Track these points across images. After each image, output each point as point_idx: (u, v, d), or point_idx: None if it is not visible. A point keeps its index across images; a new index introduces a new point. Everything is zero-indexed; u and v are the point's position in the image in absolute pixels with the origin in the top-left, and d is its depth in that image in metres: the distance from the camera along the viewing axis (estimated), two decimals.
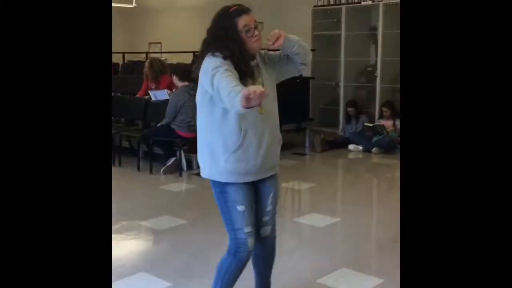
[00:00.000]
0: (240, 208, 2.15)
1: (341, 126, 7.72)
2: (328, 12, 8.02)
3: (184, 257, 3.28)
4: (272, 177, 2.28)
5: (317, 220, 4.05)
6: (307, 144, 6.89)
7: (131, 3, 10.09)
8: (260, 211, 2.28)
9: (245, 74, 2.08)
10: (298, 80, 6.88)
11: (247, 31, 2.08)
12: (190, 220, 3.92)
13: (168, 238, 3.70)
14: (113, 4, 11.52)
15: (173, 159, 5.50)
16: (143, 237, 3.78)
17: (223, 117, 2.07)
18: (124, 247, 3.55)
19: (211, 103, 2.08)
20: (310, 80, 7.35)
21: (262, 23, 2.17)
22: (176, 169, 5.48)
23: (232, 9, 2.09)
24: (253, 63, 2.14)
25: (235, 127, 2.07)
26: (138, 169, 5.65)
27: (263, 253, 2.41)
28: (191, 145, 5.58)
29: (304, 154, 6.61)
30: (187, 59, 8.14)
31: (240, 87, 1.88)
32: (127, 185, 5.17)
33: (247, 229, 2.17)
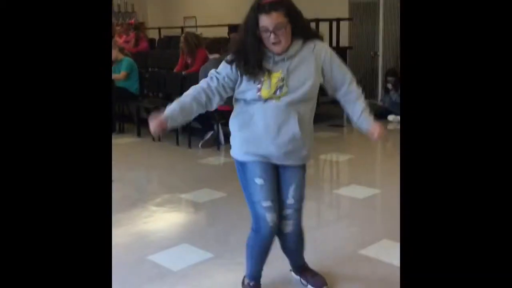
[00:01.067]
0: (258, 181, 2.14)
1: (379, 97, 7.57)
2: None
3: (224, 228, 3.32)
4: (294, 168, 2.21)
5: (356, 191, 4.01)
6: (344, 115, 6.80)
7: None
8: (281, 202, 2.21)
9: (253, 72, 2.07)
10: (335, 51, 6.76)
11: (265, 31, 2.02)
12: (228, 192, 3.95)
13: (208, 210, 3.76)
14: None
15: (210, 132, 5.54)
16: (184, 210, 3.85)
17: (236, 102, 2.19)
18: (166, 219, 3.63)
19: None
20: (348, 50, 7.20)
21: (287, 25, 2.02)
22: (214, 143, 5.52)
23: (261, 2, 2.01)
24: (278, 57, 2.07)
25: (243, 109, 2.15)
26: (177, 143, 5.72)
27: (288, 247, 2.38)
28: (228, 118, 5.59)
29: (341, 126, 6.54)
30: (222, 32, 8.12)
31: (172, 104, 2.13)
32: (166, 160, 5.26)
33: (266, 203, 2.14)
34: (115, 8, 12.04)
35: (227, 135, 5.72)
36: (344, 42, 7.25)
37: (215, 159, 5.21)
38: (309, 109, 2.18)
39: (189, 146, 5.57)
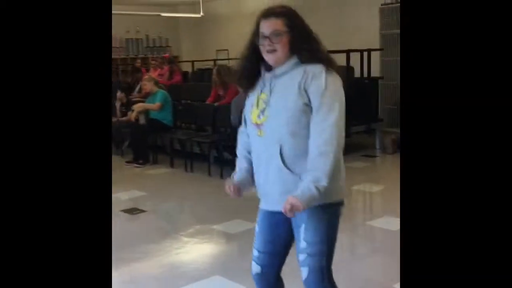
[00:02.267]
0: (256, 228, 2.03)
1: None
2: (396, 10, 7.80)
3: None
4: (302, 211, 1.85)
5: (390, 223, 3.93)
6: (377, 145, 6.73)
7: (199, 13, 10.35)
8: (296, 247, 1.95)
9: (248, 86, 1.95)
10: (366, 81, 6.75)
11: (262, 38, 1.85)
12: None
13: (240, 241, 3.74)
14: (181, 14, 11.94)
15: None
16: (216, 241, 3.84)
17: None
18: (198, 250, 3.62)
19: None
20: (379, 80, 7.18)
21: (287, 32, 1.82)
22: None
23: (265, 9, 1.89)
24: (267, 75, 1.89)
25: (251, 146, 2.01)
26: (209, 174, 5.76)
27: None
28: None
29: (374, 156, 6.46)
30: None
31: (238, 164, 2.02)
32: (198, 190, 5.29)
33: (255, 252, 2.02)
34: (150, 43, 12.42)
35: None
36: (375, 72, 7.23)
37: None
38: (301, 141, 1.82)
39: (221, 176, 5.60)
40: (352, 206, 4.61)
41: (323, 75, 1.81)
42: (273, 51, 1.83)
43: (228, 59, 9.99)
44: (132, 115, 6.52)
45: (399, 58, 7.69)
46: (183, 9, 12.18)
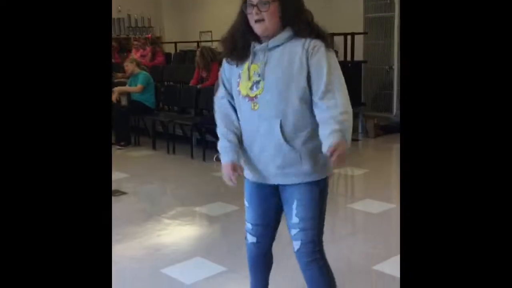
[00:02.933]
0: (246, 203, 2.08)
1: (394, 111, 7.53)
2: None
3: (237, 241, 3.31)
4: (294, 185, 1.89)
5: (371, 206, 3.98)
6: (360, 129, 6.77)
7: None
8: (287, 221, 1.98)
9: (239, 57, 1.86)
10: (350, 65, 6.75)
11: (250, 7, 1.78)
12: (242, 206, 3.91)
13: (222, 223, 3.75)
14: None
15: None
16: (197, 223, 3.85)
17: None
18: (180, 232, 3.63)
19: None
20: (362, 64, 7.19)
21: (270, 2, 1.74)
22: None
23: None
24: (259, 46, 1.81)
25: (240, 118, 1.94)
26: (192, 156, 5.75)
27: (305, 275, 2.01)
28: None
29: (357, 140, 6.51)
30: None
31: (223, 141, 1.95)
32: (181, 173, 5.28)
33: (248, 225, 2.09)
34: (132, 23, 12.22)
35: None
36: (359, 56, 7.24)
37: None
38: (301, 116, 1.81)
39: (204, 159, 5.59)
40: (334, 189, 4.64)
41: (324, 51, 1.78)
42: (260, 20, 1.76)
43: (212, 40, 9.89)
44: (113, 97, 6.44)
45: (382, 41, 7.73)
46: None
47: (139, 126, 6.72)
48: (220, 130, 1.97)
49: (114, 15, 11.94)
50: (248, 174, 2.00)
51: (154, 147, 6.28)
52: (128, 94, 6.53)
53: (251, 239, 2.11)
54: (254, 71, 1.81)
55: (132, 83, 6.51)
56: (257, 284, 2.24)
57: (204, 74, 6.40)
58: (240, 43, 1.85)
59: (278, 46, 1.80)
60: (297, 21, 1.78)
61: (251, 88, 1.82)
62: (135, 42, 9.34)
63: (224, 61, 1.95)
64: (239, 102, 1.89)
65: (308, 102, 1.81)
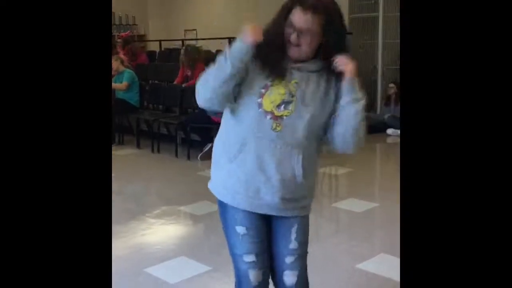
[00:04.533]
0: (240, 229, 1.71)
1: (378, 110, 7.60)
2: None
3: (222, 241, 3.30)
4: (292, 219, 1.75)
5: (355, 205, 4.01)
6: None
7: None
8: (282, 249, 1.76)
9: (273, 68, 1.66)
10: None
11: (289, 27, 1.64)
12: None
13: (206, 223, 3.75)
14: None
15: (209, 145, 5.55)
16: (182, 222, 3.84)
17: (230, 115, 1.71)
18: (164, 231, 3.62)
19: None
20: None
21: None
22: None
23: None
24: (294, 65, 1.67)
25: (235, 132, 1.69)
26: (176, 155, 5.73)
27: None
28: None
29: None
30: (222, 45, 8.15)
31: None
32: (165, 171, 5.26)
33: (248, 258, 1.72)
34: (116, 21, 12.12)
35: None
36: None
37: None
38: (315, 149, 1.73)
39: (188, 158, 5.58)
40: (318, 188, 4.67)
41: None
42: (298, 45, 1.63)
43: (197, 39, 9.87)
44: None
45: (368, 42, 7.78)
46: None
47: (123, 125, 6.68)
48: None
49: None
50: (239, 202, 1.70)
51: (138, 146, 6.25)
52: (113, 92, 6.48)
53: (257, 277, 1.73)
54: (287, 89, 1.64)
55: (117, 81, 6.47)
56: None
57: (188, 73, 6.38)
58: (280, 59, 1.67)
59: (316, 71, 1.68)
60: (334, 54, 1.66)
61: (278, 106, 1.64)
62: (119, 40, 9.27)
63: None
64: (254, 115, 1.65)
65: (322, 136, 1.74)
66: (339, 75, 1.66)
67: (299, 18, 1.61)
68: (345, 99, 1.65)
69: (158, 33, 11.57)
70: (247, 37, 1.59)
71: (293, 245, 1.75)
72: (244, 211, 1.70)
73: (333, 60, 1.63)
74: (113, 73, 6.62)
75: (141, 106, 6.66)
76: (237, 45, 1.60)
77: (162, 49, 9.77)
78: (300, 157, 1.66)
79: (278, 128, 1.63)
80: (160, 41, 9.99)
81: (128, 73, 6.45)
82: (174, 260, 3.03)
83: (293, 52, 1.64)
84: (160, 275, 2.83)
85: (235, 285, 1.80)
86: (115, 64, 6.47)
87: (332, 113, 1.68)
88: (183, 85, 6.24)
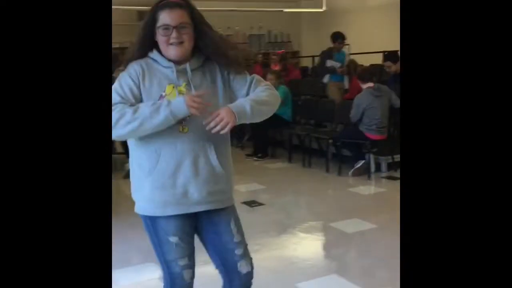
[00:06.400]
0: (173, 239, 1.81)
1: None
2: None
3: (373, 261, 3.20)
4: (220, 212, 1.85)
5: None
6: None
7: (321, 7, 10.29)
8: (229, 244, 1.87)
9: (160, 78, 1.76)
10: None
11: (165, 29, 1.73)
12: (379, 224, 3.81)
13: (357, 241, 3.66)
14: (303, 9, 11.95)
15: (362, 161, 5.44)
16: (332, 239, 3.80)
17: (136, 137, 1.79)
18: (315, 247, 3.62)
19: None
20: None
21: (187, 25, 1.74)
22: (365, 172, 5.40)
23: (158, 3, 1.76)
24: (179, 67, 1.77)
25: (147, 147, 1.76)
26: (327, 170, 5.72)
27: None
28: (380, 147, 5.45)
29: None
30: (377, 59, 7.99)
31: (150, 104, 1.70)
32: (316, 186, 5.28)
33: (182, 262, 1.83)
34: (272, 39, 12.62)
35: (378, 164, 5.60)
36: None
37: (366, 188, 5.08)
38: (225, 138, 1.83)
39: (339, 173, 5.53)
40: None
41: (241, 73, 1.84)
42: (180, 43, 1.74)
43: (350, 53, 9.81)
44: None
45: None
46: (306, 4, 12.18)
47: (276, 139, 6.88)
48: (122, 113, 1.70)
49: (256, 31, 12.45)
50: (167, 209, 1.79)
51: (290, 160, 6.37)
52: None
53: (188, 275, 1.86)
54: (180, 94, 1.75)
55: None
56: None
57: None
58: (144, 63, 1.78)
59: (196, 69, 1.81)
60: (208, 42, 1.79)
61: None
62: (274, 57, 9.62)
63: (128, 76, 1.77)
64: (161, 135, 1.74)
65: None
66: (221, 64, 1.81)
67: (170, 16, 1.73)
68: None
69: (311, 48, 11.76)
70: (191, 108, 1.68)
71: (236, 237, 1.88)
72: (175, 219, 1.80)
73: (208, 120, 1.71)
74: None
75: (294, 120, 6.80)
76: (180, 107, 1.68)
77: (315, 64, 9.89)
78: (212, 148, 1.78)
79: (185, 130, 1.75)
80: (313, 56, 10.13)
81: (282, 89, 6.64)
82: (326, 278, 2.99)
83: (176, 52, 1.75)
84: None
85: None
86: (272, 80, 6.70)
87: (229, 95, 1.82)
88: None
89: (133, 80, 1.76)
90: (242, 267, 1.90)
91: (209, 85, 1.80)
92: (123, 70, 1.80)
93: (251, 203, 4.62)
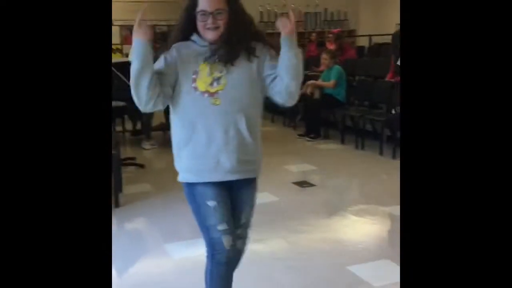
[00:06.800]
0: (211, 203, 1.92)
1: None
2: None
3: None
4: (248, 186, 2.01)
5: None
6: None
7: None
8: (237, 214, 2.01)
9: (188, 58, 1.90)
10: None
11: (202, 15, 1.87)
12: None
13: None
14: None
15: None
16: (384, 223, 3.72)
17: (174, 108, 1.94)
18: (366, 230, 3.56)
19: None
20: None
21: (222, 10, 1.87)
22: None
23: None
24: (214, 46, 1.90)
25: (183, 119, 1.92)
26: (381, 153, 5.60)
27: (231, 269, 2.08)
28: None
29: None
30: None
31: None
32: (368, 169, 5.18)
33: (222, 226, 1.93)
34: (328, 17, 12.36)
35: None
36: None
37: None
38: (256, 111, 1.96)
39: (393, 157, 5.40)
40: None
41: (268, 49, 1.95)
42: (216, 28, 1.88)
43: None
44: (307, 89, 6.61)
45: None
46: None
47: (329, 120, 6.79)
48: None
49: (312, 9, 12.23)
50: (204, 176, 1.93)
51: (342, 141, 6.28)
52: (320, 87, 6.63)
53: (229, 241, 1.95)
54: (214, 68, 1.89)
55: (325, 76, 6.59)
56: None
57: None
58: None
59: (231, 47, 1.91)
60: (242, 27, 1.93)
61: (211, 84, 1.88)
62: (330, 35, 9.44)
63: (163, 58, 1.92)
64: (193, 98, 1.89)
65: (261, 106, 1.99)
66: (246, 42, 1.92)
67: (207, 2, 1.87)
68: (282, 50, 1.85)
69: (368, 27, 11.46)
70: (137, 34, 1.80)
71: (243, 220, 2.03)
72: (211, 185, 1.92)
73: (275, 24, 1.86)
74: (323, 67, 6.77)
75: (347, 101, 6.67)
76: (134, 44, 1.81)
77: (372, 44, 9.64)
78: (243, 120, 1.90)
79: (217, 102, 1.88)
80: (370, 35, 9.87)
81: (337, 69, 6.52)
82: (377, 262, 2.95)
83: (212, 36, 1.89)
84: (363, 275, 2.78)
85: (208, 255, 2.01)
86: (327, 60, 6.59)
87: (262, 74, 1.93)
88: (393, 80, 6.05)
89: (166, 62, 1.91)
90: (240, 245, 2.04)
91: (243, 65, 1.92)
92: (166, 50, 1.94)
93: (302, 184, 4.60)
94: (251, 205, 2.06)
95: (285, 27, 1.83)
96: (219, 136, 1.89)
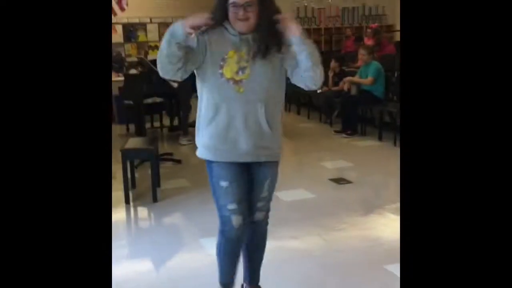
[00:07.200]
0: (223, 183, 2.08)
1: None
2: None
3: None
4: (269, 164, 2.14)
5: None
6: None
7: None
8: (255, 196, 2.18)
9: (218, 45, 2.00)
10: None
11: (233, 6, 1.96)
12: None
13: None
14: None
15: None
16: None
17: (200, 87, 2.09)
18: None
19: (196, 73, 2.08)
20: None
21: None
22: None
23: None
24: (243, 37, 2.00)
25: (208, 100, 2.05)
26: (396, 144, 5.50)
27: (255, 238, 2.29)
28: None
29: None
30: None
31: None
32: (385, 160, 5.11)
33: (231, 206, 2.08)
34: (366, 11, 12.19)
35: None
36: None
37: None
38: (277, 101, 2.10)
39: None
40: None
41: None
42: (246, 19, 1.97)
43: None
44: (344, 86, 6.53)
45: None
46: None
47: (366, 116, 6.69)
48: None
49: (350, 4, 12.08)
50: (221, 155, 2.07)
51: (380, 138, 6.18)
52: (358, 83, 6.55)
53: (238, 220, 2.10)
54: (241, 57, 2.00)
55: (363, 72, 6.50)
56: (233, 271, 2.28)
57: None
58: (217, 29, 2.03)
59: (260, 38, 2.01)
60: (271, 20, 1.98)
61: (237, 72, 2.00)
62: (368, 30, 9.32)
63: (206, 33, 2.01)
64: (219, 84, 2.01)
65: (283, 98, 2.13)
66: (275, 37, 1.99)
67: None
68: (296, 46, 1.97)
69: None
70: (185, 27, 1.88)
71: (264, 194, 2.18)
72: (226, 164, 2.07)
73: (277, 20, 1.96)
74: (360, 63, 6.68)
75: (386, 97, 6.56)
76: (175, 28, 1.90)
77: None
78: (263, 110, 2.03)
79: (241, 90, 2.01)
80: None
81: (375, 65, 6.41)
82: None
83: (242, 27, 1.98)
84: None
85: (219, 230, 2.17)
86: (364, 56, 6.49)
87: (285, 64, 2.04)
88: None
89: (198, 42, 2.01)
90: (257, 216, 2.21)
91: (267, 56, 2.02)
92: (203, 31, 2.03)
93: (339, 181, 4.55)
94: (272, 179, 2.18)
95: (295, 31, 1.96)
96: (238, 121, 2.03)
